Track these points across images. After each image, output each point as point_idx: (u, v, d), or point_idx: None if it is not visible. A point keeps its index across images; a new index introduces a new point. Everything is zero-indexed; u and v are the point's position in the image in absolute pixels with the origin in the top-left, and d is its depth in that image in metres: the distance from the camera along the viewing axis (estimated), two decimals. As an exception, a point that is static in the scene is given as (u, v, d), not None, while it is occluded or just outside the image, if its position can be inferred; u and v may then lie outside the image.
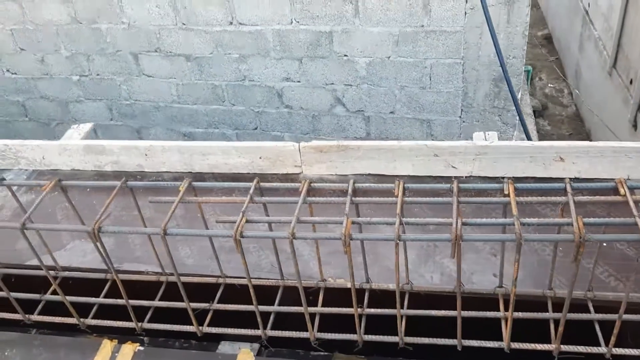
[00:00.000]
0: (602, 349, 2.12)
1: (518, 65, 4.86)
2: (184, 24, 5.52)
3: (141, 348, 2.69)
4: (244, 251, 2.77)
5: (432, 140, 4.95)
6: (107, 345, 2.68)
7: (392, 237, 1.91)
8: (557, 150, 2.96)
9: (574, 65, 13.16)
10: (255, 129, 6.03)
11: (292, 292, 2.60)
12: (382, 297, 2.52)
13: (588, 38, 12.04)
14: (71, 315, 2.50)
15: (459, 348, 2.26)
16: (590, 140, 11.57)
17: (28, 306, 2.63)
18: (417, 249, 2.79)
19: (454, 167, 3.14)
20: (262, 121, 5.94)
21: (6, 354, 2.75)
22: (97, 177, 3.59)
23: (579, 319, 2.22)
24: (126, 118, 6.45)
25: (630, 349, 2.12)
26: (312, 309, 2.38)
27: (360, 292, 2.50)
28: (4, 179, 2.37)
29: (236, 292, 2.60)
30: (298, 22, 5.16)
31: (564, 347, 2.15)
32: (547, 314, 2.27)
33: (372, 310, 2.38)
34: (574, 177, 3.03)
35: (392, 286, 2.48)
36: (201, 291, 2.60)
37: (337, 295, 2.56)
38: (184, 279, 2.36)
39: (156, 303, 2.49)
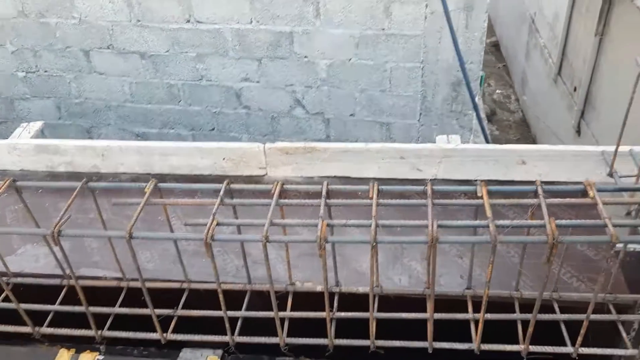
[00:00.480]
0: (569, 349, 2.16)
1: (476, 70, 4.97)
2: (138, 21, 5.36)
3: (100, 357, 2.56)
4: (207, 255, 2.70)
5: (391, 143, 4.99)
6: (64, 354, 2.54)
7: (367, 239, 1.88)
8: (519, 154, 3.02)
9: (521, 72, 13.61)
10: (212, 129, 5.92)
11: (259, 296, 2.54)
12: (351, 301, 2.50)
13: (534, 46, 12.47)
14: (25, 324, 2.36)
15: (430, 350, 2.26)
16: (537, 145, 11.93)
17: (-25, 315, 2.46)
18: (385, 252, 2.78)
19: (419, 170, 3.15)
20: (220, 122, 5.84)
21: (-50, 367, 2.57)
22: (49, 178, 3.41)
23: (545, 320, 2.25)
24: (76, 117, 6.20)
25: (595, 348, 2.17)
26: (281, 314, 2.32)
27: (330, 295, 2.47)
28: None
29: (200, 298, 2.52)
30: (258, 21, 5.10)
31: (532, 348, 2.18)
32: (515, 314, 2.29)
33: (344, 314, 2.35)
34: (534, 180, 3.09)
35: (362, 289, 2.46)
36: (164, 297, 2.50)
37: (305, 299, 2.51)
38: (147, 284, 2.26)
39: (117, 310, 2.38)
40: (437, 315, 2.23)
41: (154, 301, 2.32)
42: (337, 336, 2.33)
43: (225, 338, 2.33)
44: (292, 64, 5.27)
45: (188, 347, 2.81)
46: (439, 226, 1.90)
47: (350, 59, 5.13)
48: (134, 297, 2.49)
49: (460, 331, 2.34)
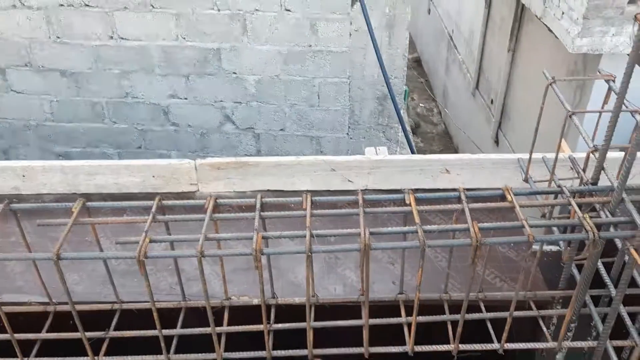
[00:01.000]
0: (495, 346, 2.28)
1: (399, 85, 5.16)
2: (58, 37, 5.18)
3: (27, 387, 2.43)
4: (139, 273, 2.64)
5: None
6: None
7: (303, 249, 1.92)
8: (443, 163, 3.17)
9: (442, 86, 14.21)
10: (140, 147, 5.78)
11: (195, 313, 2.51)
12: (289, 312, 2.52)
13: (453, 61, 13.07)
14: (-59, 357, 2.21)
15: (366, 355, 2.32)
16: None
17: None
18: (319, 262, 2.83)
19: (350, 181, 3.23)
20: (147, 139, 5.72)
21: None
22: (-37, 201, 3.21)
23: (473, 319, 2.37)
24: (-9, 138, 5.89)
25: (519, 343, 2.30)
26: (218, 329, 2.31)
27: (267, 308, 2.48)
28: None
29: (134, 318, 2.46)
30: (184, 38, 5.06)
31: (462, 346, 2.28)
32: (445, 316, 2.39)
33: (280, 326, 2.37)
34: (458, 187, 3.24)
35: (298, 300, 2.49)
36: (94, 320, 2.42)
37: (243, 313, 2.51)
38: (76, 307, 2.18)
39: (44, 335, 2.28)
40: (372, 321, 2.29)
41: (85, 324, 2.24)
42: (279, 347, 2.35)
43: (161, 357, 2.28)
44: (220, 80, 5.26)
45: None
46: (371, 234, 1.97)
47: (278, 75, 5.19)
48: (62, 321, 2.40)
49: (395, 336, 2.41)
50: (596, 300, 2.38)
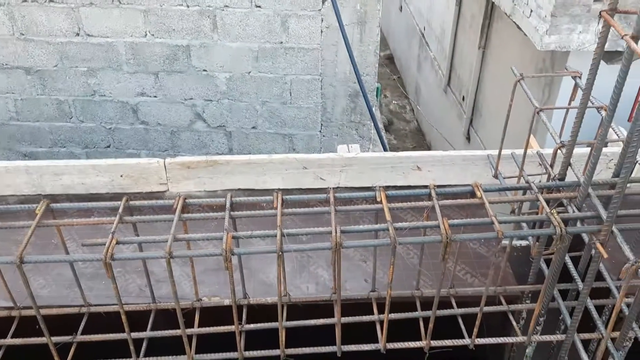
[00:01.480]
0: (467, 341, 2.30)
1: (371, 82, 5.16)
2: (22, 34, 5.04)
3: (-9, 395, 2.36)
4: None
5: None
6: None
7: (274, 249, 1.90)
8: (414, 160, 3.18)
9: (414, 83, 14.30)
10: (108, 146, 5.67)
11: (164, 315, 2.47)
12: (260, 312, 2.50)
13: (425, 59, 13.17)
14: None
15: (339, 354, 2.31)
16: (432, 152, 12.57)
17: None
18: (291, 261, 2.81)
19: (322, 179, 3.22)
20: (116, 138, 5.61)
21: None
22: None
23: (444, 315, 2.38)
24: (-48, 137, 5.71)
25: (490, 338, 2.32)
26: (189, 331, 2.28)
27: (238, 308, 2.46)
28: None
29: (102, 321, 2.41)
30: (153, 35, 4.97)
31: (434, 343, 2.29)
32: (417, 312, 2.40)
33: (252, 326, 2.35)
34: (429, 184, 3.26)
35: (270, 300, 2.47)
36: (61, 324, 2.36)
37: (214, 314, 2.48)
38: (42, 311, 2.13)
39: (9, 341, 2.21)
40: (345, 319, 2.29)
41: (52, 329, 2.19)
42: (253, 348, 2.32)
43: (131, 361, 2.24)
44: (190, 78, 5.19)
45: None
46: (342, 232, 1.96)
47: (249, 72, 5.14)
48: (28, 326, 2.34)
49: (368, 333, 2.41)
50: (565, 294, 2.42)
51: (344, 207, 2.09)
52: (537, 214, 2.14)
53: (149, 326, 2.36)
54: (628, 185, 2.27)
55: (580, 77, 2.37)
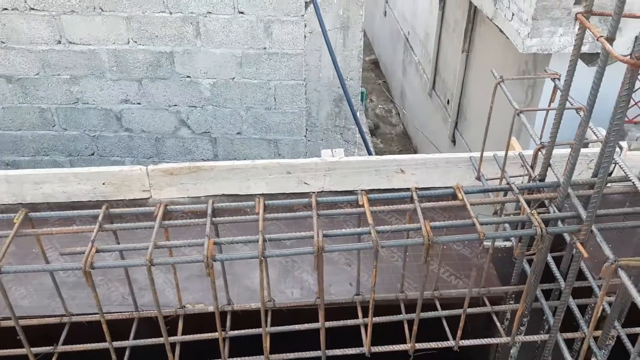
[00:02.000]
0: (451, 343, 2.30)
1: (355, 86, 5.17)
2: (3, 42, 4.99)
3: (-30, 408, 2.32)
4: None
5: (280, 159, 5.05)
6: None
7: (256, 254, 1.89)
8: (398, 163, 3.19)
9: (400, 87, 14.37)
10: (92, 154, 5.62)
11: (148, 323, 2.45)
12: (245, 318, 2.49)
13: (410, 63, 13.24)
14: None
15: (323, 359, 2.30)
16: (418, 156, 12.63)
17: None
18: (276, 266, 2.80)
19: (306, 184, 3.22)
20: (100, 146, 5.57)
21: None
22: None
23: (429, 317, 2.38)
24: None
25: (474, 340, 2.33)
26: (171, 339, 2.26)
27: (222, 314, 2.44)
28: None
29: (84, 331, 2.38)
30: (136, 41, 4.95)
31: (418, 345, 2.29)
32: (401, 315, 2.40)
33: (236, 332, 2.33)
34: (413, 187, 3.28)
35: (254, 305, 2.46)
36: (43, 334, 2.33)
37: (199, 321, 2.46)
38: (21, 322, 2.10)
39: (-12, 353, 2.18)
40: (329, 324, 2.28)
41: (33, 340, 2.16)
42: (239, 354, 2.31)
43: (114, 370, 2.21)
44: (174, 84, 5.17)
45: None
46: (324, 236, 1.96)
47: (233, 78, 5.14)
48: (8, 337, 2.30)
49: (354, 337, 2.41)
50: (549, 293, 2.43)
51: (326, 211, 2.09)
52: (519, 214, 2.15)
53: (132, 335, 2.33)
54: (608, 184, 2.29)
55: (559, 79, 2.40)
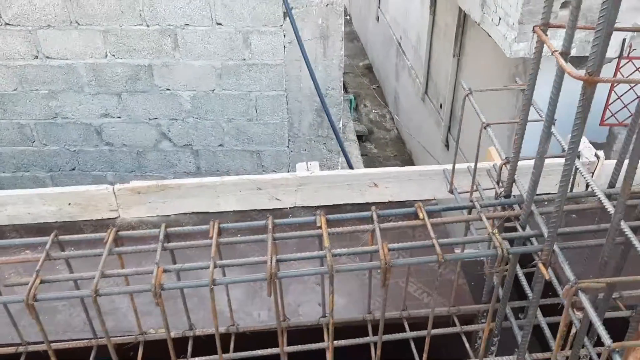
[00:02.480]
0: (419, 365, 2.23)
1: (337, 95, 5.11)
2: (-21, 58, 4.95)
3: None
4: (52, 311, 2.48)
5: (263, 171, 4.99)
6: None
7: (206, 282, 1.82)
8: (371, 177, 3.13)
9: (393, 92, 14.33)
10: (73, 169, 5.56)
11: (107, 351, 2.38)
12: (210, 343, 2.41)
13: (402, 67, 13.20)
14: None
15: (287, 384, 2.23)
16: (412, 161, 12.60)
17: None
18: (244, 287, 2.73)
19: (277, 199, 3.15)
20: (81, 161, 5.51)
21: None
22: None
23: (396, 339, 2.31)
24: None
25: (444, 361, 2.25)
26: (130, 367, 2.19)
27: (184, 340, 2.37)
28: None
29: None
30: (114, 55, 4.90)
31: (385, 368, 2.22)
32: (368, 338, 2.33)
33: (198, 359, 2.26)
34: (387, 201, 3.21)
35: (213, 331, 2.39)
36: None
37: (163, 346, 2.39)
38: (-29, 354, 2.03)
39: (-63, 388, 2.11)
40: (291, 348, 2.21)
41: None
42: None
43: (68, 402, 2.14)
44: (154, 97, 5.11)
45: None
46: (278, 260, 1.90)
47: (214, 90, 5.08)
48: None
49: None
50: (522, 311, 2.36)
51: (282, 234, 2.02)
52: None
53: (90, 363, 2.26)
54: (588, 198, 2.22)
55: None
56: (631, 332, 2.06)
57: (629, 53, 6.14)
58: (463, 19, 8.79)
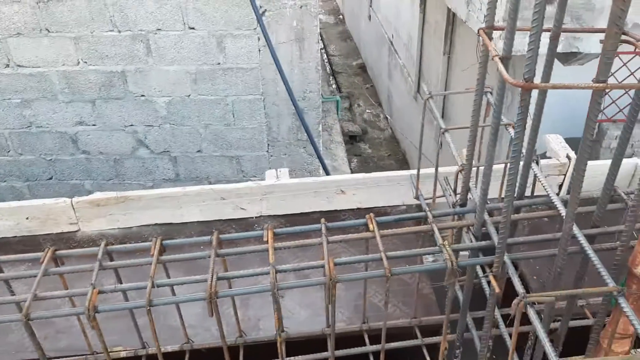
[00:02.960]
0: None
1: (315, 99, 5.03)
2: (-50, 68, 4.87)
3: None
4: (5, 331, 2.43)
5: (244, 176, 4.91)
6: None
7: (143, 304, 1.75)
8: (338, 184, 3.05)
9: (386, 91, 14.24)
10: (50, 178, 5.48)
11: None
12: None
13: (395, 66, 13.11)
14: None
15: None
16: (407, 160, 12.52)
17: None
18: (200, 302, 2.65)
19: (242, 209, 3.07)
20: (57, 170, 5.43)
21: None
22: None
23: (353, 354, 2.24)
24: None
25: (402, 376, 2.18)
26: (77, 390, 2.12)
27: (136, 359, 2.31)
28: None
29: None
30: (86, 62, 4.82)
31: (343, 385, 2.15)
32: (326, 353, 2.25)
33: (148, 379, 2.19)
34: (356, 207, 3.14)
35: (170, 348, 2.32)
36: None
37: (115, 366, 2.32)
38: None
39: None
40: (243, 367, 2.14)
41: None
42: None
43: None
44: (129, 104, 5.03)
45: None
46: (219, 278, 1.82)
47: (189, 95, 5.00)
48: None
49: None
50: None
51: (225, 250, 1.94)
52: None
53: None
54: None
55: (491, 93, 2.25)
56: (592, 344, 1.99)
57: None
58: (453, 16, 8.70)
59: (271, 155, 5.35)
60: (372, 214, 2.01)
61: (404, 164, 12.43)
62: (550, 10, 1.74)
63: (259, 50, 4.76)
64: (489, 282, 2.27)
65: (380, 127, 14.74)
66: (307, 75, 4.90)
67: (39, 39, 4.67)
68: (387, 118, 14.13)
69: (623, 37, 1.53)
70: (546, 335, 1.61)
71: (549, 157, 3.42)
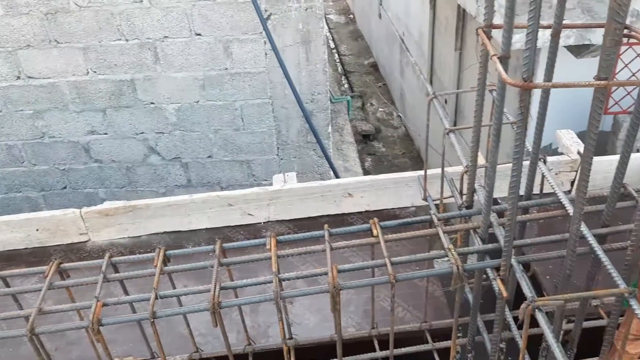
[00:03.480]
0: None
1: (324, 100, 5.00)
2: (-37, 82, 4.95)
3: None
4: (18, 343, 2.45)
5: (254, 180, 4.91)
6: None
7: (146, 315, 1.75)
8: (344, 187, 3.02)
9: (399, 89, 14.15)
10: (65, 188, 5.54)
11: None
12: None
13: (406, 64, 13.02)
14: None
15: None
16: (421, 158, 12.43)
17: None
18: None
19: (250, 215, 3.06)
20: (71, 179, 5.48)
21: None
22: None
23: (365, 360, 2.21)
24: None
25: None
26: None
27: (145, 369, 2.31)
28: None
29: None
30: (95, 72, 4.85)
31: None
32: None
33: (155, 390, 2.18)
34: (364, 210, 3.11)
35: (178, 358, 2.31)
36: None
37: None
38: None
39: None
40: (251, 376, 2.12)
41: None
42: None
43: None
44: (139, 112, 5.06)
45: None
46: (222, 288, 1.82)
47: (198, 101, 5.01)
48: None
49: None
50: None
51: (229, 259, 1.93)
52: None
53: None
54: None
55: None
56: (605, 345, 1.93)
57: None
58: (462, 12, 8.61)
59: (281, 159, 5.34)
60: (376, 219, 1.98)
61: (418, 162, 12.33)
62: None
63: (266, 54, 4.75)
64: (499, 284, 2.23)
65: (394, 126, 14.66)
66: (314, 78, 4.88)
67: (49, 50, 4.72)
68: (400, 116, 14.05)
69: (626, 32, 1.49)
70: (556, 340, 1.57)
71: (561, 153, 3.36)
